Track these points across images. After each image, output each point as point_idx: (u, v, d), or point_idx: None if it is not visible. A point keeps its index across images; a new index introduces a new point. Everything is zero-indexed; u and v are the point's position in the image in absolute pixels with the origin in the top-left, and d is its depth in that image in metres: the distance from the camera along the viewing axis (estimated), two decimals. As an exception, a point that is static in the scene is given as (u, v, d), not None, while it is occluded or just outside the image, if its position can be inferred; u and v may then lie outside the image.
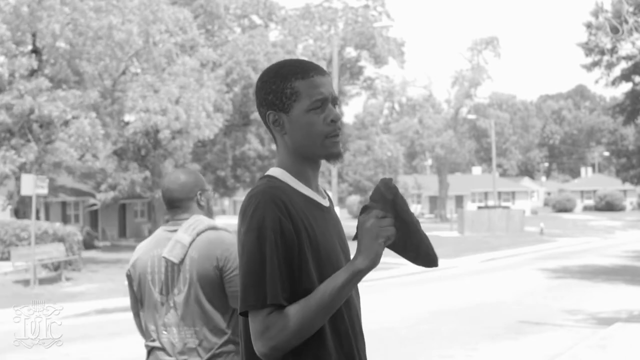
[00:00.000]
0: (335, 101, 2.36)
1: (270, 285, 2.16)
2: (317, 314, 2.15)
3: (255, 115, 37.60)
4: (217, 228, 3.55)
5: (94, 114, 25.01)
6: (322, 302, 2.16)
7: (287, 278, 2.18)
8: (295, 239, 2.21)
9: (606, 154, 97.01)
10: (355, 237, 2.19)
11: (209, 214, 3.72)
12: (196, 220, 3.55)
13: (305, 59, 39.84)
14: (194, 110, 28.94)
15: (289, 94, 2.31)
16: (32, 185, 18.52)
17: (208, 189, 3.73)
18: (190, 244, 3.47)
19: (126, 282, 3.75)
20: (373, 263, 2.15)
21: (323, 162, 2.41)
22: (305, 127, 2.31)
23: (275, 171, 2.37)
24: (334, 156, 2.34)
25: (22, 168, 24.19)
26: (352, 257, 2.23)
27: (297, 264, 2.21)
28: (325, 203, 2.43)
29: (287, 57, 36.49)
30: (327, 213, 2.41)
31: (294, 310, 2.15)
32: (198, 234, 3.50)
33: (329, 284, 2.17)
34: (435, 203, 76.99)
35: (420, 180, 78.70)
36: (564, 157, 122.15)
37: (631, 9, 23.73)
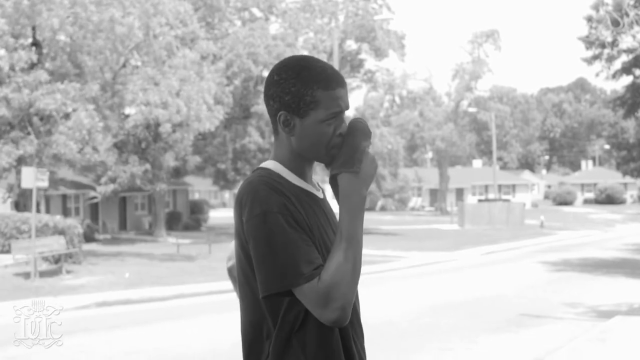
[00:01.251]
0: (347, 110, 2.38)
1: (305, 255, 2.17)
2: (357, 250, 2.22)
3: (256, 108, 37.56)
4: None
5: (91, 106, 24.95)
6: (354, 236, 2.23)
7: (310, 247, 2.20)
8: (303, 219, 2.24)
9: (607, 147, 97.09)
10: (350, 166, 2.29)
11: None
12: None
13: (304, 51, 39.62)
14: (194, 103, 28.91)
15: (308, 101, 2.30)
16: (32, 178, 18.51)
17: None
18: None
19: (228, 276, 4.17)
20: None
21: None
22: (316, 137, 2.32)
23: (269, 164, 2.38)
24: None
25: (22, 161, 24.16)
26: None
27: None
28: (320, 195, 2.45)
29: (288, 50, 36.44)
30: (322, 204, 2.43)
31: (336, 260, 2.18)
32: None
33: (349, 216, 2.25)
34: (436, 196, 77.00)
35: (420, 173, 78.73)
36: (564, 150, 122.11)
37: (632, 2, 23.67)
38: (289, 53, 35.33)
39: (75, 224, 23.75)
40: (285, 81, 2.31)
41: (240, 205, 2.25)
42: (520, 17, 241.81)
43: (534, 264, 24.12)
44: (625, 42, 29.35)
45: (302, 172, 2.39)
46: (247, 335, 2.33)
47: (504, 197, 75.34)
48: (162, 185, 35.15)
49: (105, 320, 14.01)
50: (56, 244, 21.06)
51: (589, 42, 29.44)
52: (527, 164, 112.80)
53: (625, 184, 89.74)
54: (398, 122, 61.02)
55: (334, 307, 2.14)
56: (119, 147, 33.21)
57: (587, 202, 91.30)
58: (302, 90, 2.30)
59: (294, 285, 2.16)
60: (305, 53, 39.68)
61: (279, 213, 2.19)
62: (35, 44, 25.63)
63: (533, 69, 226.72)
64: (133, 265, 23.38)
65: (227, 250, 4.10)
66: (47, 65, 25.68)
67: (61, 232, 22.48)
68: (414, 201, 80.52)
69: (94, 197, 37.20)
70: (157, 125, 30.49)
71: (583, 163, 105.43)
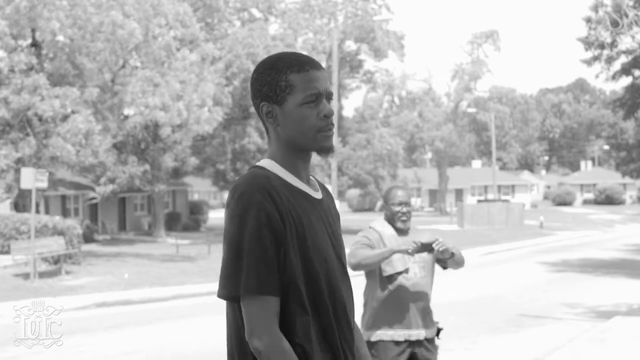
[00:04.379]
0: (329, 96, 2.37)
1: (266, 279, 2.18)
2: None
3: (255, 108, 37.55)
4: (370, 227, 5.40)
5: (88, 111, 24.90)
6: None
7: (272, 266, 2.19)
8: (281, 227, 2.22)
9: (606, 147, 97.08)
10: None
11: (392, 216, 5.32)
12: (374, 221, 5.49)
13: (303, 52, 39.75)
14: (195, 107, 28.89)
15: (284, 86, 2.32)
16: (32, 179, 18.50)
17: (392, 202, 5.27)
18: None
19: None
20: None
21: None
22: (298, 121, 2.32)
23: (265, 162, 2.38)
24: (325, 150, 2.36)
25: (21, 162, 24.14)
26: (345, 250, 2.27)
27: (282, 252, 2.22)
28: (317, 195, 2.43)
29: (287, 50, 36.42)
30: (318, 205, 2.41)
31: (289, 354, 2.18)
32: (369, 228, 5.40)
33: None
34: (435, 196, 77.02)
35: (420, 173, 78.67)
36: (563, 151, 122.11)
37: (631, 3, 23.67)
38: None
39: (75, 225, 23.73)
40: (262, 74, 2.36)
41: (228, 204, 2.27)
42: (519, 18, 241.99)
43: (534, 265, 24.11)
44: (625, 43, 29.36)
45: (296, 169, 2.38)
46: (229, 330, 2.35)
47: (504, 197, 75.32)
48: (161, 186, 35.12)
49: (104, 320, 14.01)
50: (55, 245, 21.05)
51: (588, 43, 29.44)
52: (527, 164, 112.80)
53: (624, 185, 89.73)
54: (397, 123, 61.01)
55: (257, 343, 2.17)
56: (118, 147, 33.19)
57: (586, 202, 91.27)
58: (277, 77, 2.33)
59: (240, 299, 2.19)
60: (304, 53, 39.74)
61: (266, 226, 2.19)
62: (35, 44, 25.61)
63: (532, 69, 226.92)
64: (132, 266, 23.38)
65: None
66: (46, 66, 25.65)
67: (60, 233, 22.46)
68: (413, 202, 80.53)
69: (93, 198, 37.16)
70: (156, 126, 30.45)
71: (582, 164, 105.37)
